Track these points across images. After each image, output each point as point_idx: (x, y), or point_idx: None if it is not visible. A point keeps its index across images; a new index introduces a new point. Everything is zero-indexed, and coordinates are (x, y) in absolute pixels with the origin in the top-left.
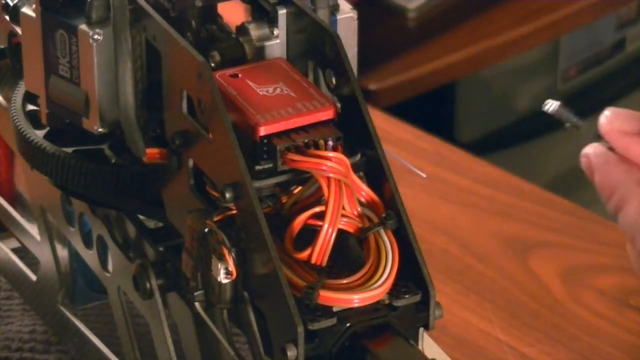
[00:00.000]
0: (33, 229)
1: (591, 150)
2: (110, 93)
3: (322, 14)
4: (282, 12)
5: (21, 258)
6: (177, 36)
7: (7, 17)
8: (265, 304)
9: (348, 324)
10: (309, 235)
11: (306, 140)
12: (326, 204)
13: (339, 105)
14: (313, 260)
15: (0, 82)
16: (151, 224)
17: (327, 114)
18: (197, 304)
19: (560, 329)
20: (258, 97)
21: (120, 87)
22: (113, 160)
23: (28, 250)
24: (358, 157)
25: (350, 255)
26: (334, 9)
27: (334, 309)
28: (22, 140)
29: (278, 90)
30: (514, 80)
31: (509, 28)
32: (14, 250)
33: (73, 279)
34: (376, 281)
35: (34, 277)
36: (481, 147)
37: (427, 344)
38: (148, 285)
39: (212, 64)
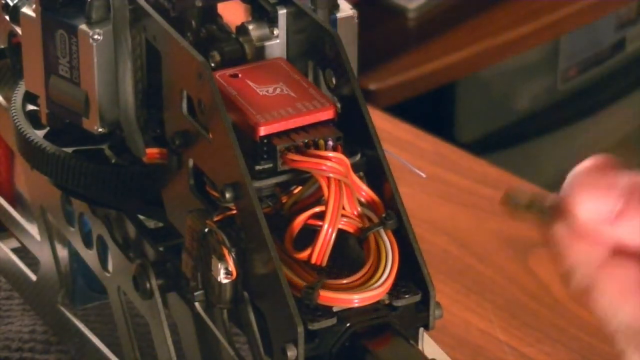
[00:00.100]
0: (33, 229)
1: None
2: (110, 93)
3: (322, 14)
4: (282, 12)
5: (21, 258)
6: (177, 36)
7: (7, 17)
8: (265, 304)
9: (348, 324)
10: (309, 235)
11: (306, 140)
12: (326, 204)
13: (339, 105)
14: (313, 260)
15: (0, 82)
16: (151, 224)
17: (327, 114)
18: (197, 304)
19: (560, 329)
20: (258, 97)
21: (120, 87)
22: (113, 160)
23: (28, 250)
24: (358, 157)
25: (350, 255)
26: (334, 8)
27: (334, 309)
28: (22, 140)
29: (278, 90)
30: (514, 80)
31: (509, 28)
32: (14, 250)
33: (73, 279)
34: (376, 281)
35: (34, 277)
36: (481, 147)
37: (427, 344)
38: (148, 285)
39: (212, 64)
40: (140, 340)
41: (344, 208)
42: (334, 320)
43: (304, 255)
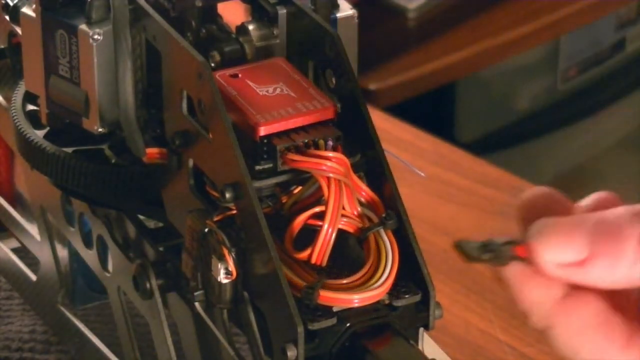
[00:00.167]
0: (33, 229)
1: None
2: (110, 93)
3: (322, 14)
4: (282, 12)
5: (21, 258)
6: (177, 36)
7: (7, 17)
8: (265, 304)
9: (348, 324)
10: (309, 235)
11: (306, 140)
12: (326, 204)
13: (339, 105)
14: (313, 260)
15: (0, 82)
16: (151, 224)
17: (327, 114)
18: (197, 304)
19: None
20: (258, 97)
21: (120, 87)
22: (113, 160)
23: (28, 250)
24: (358, 157)
25: (350, 255)
26: (334, 8)
27: (334, 309)
28: (22, 140)
29: (278, 90)
30: (514, 80)
31: (509, 28)
32: (14, 250)
33: (73, 279)
34: (376, 281)
35: (34, 277)
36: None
37: (427, 344)
38: (148, 285)
39: (212, 64)
40: (140, 340)
41: (344, 208)
42: (334, 320)
43: (304, 255)
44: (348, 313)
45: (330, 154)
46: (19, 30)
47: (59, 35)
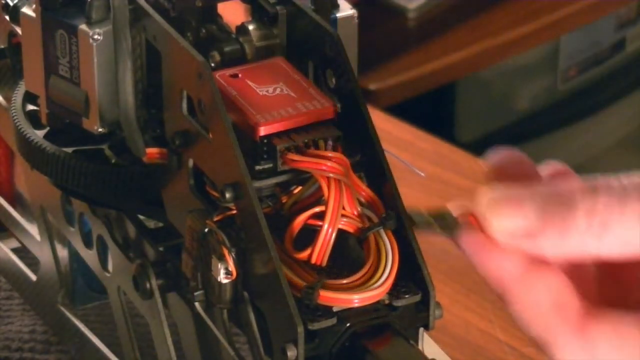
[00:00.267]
0: (33, 229)
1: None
2: (110, 93)
3: (322, 14)
4: (282, 12)
5: (21, 258)
6: (177, 36)
7: (7, 17)
8: (265, 304)
9: (348, 324)
10: (309, 235)
11: (306, 140)
12: (326, 204)
13: (339, 105)
14: (313, 260)
15: (0, 82)
16: (151, 224)
17: (327, 114)
18: (197, 304)
19: None
20: (258, 97)
21: (120, 87)
22: (113, 160)
23: (28, 250)
24: (358, 157)
25: (350, 255)
26: (334, 8)
27: (334, 309)
28: (22, 140)
29: (278, 90)
30: (514, 80)
31: (509, 28)
32: (14, 250)
33: (73, 279)
34: (376, 281)
35: (34, 277)
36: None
37: (427, 344)
38: (148, 285)
39: (212, 64)
40: (140, 340)
41: (344, 208)
42: (334, 320)
43: (304, 255)
44: (348, 313)
45: (330, 154)
46: (19, 30)
47: (59, 35)
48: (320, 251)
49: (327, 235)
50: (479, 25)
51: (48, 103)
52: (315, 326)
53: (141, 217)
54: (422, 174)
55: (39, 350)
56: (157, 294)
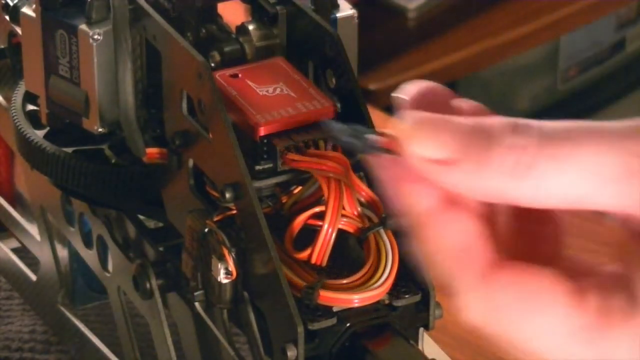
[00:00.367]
0: (33, 229)
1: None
2: (110, 93)
3: (322, 14)
4: (282, 12)
5: (21, 258)
6: (177, 36)
7: (7, 17)
8: (265, 304)
9: (348, 324)
10: (309, 235)
11: (306, 140)
12: (326, 204)
13: (338, 105)
14: (313, 260)
15: (0, 82)
16: (151, 224)
17: (327, 114)
18: (197, 304)
19: None
20: (258, 97)
21: (120, 87)
22: (113, 160)
23: (28, 250)
24: (358, 157)
25: (350, 255)
26: (334, 8)
27: (334, 309)
28: (22, 140)
29: (278, 90)
30: (514, 80)
31: (509, 28)
32: (14, 250)
33: (73, 279)
34: (376, 281)
35: (34, 277)
36: None
37: (427, 344)
38: (148, 285)
39: (212, 64)
40: (140, 340)
41: (344, 208)
42: (334, 320)
43: (304, 255)
44: (348, 313)
45: (330, 154)
46: (19, 30)
47: (59, 35)
48: (320, 251)
49: (327, 235)
50: (479, 25)
51: (48, 103)
52: (315, 326)
53: (141, 217)
54: None
55: (39, 350)
56: (157, 294)
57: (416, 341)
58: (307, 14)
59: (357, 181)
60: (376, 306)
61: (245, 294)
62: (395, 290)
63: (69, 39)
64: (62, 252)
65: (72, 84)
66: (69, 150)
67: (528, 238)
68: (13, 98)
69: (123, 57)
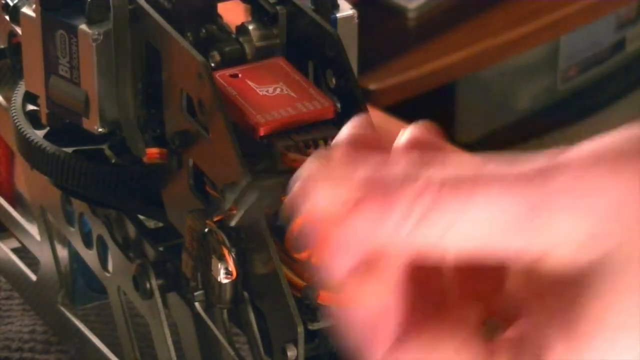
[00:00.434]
0: (33, 229)
1: None
2: (110, 93)
3: (322, 14)
4: (282, 12)
5: (21, 258)
6: (177, 36)
7: (7, 17)
8: (265, 304)
9: None
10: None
11: (306, 140)
12: None
13: (338, 105)
14: (313, 260)
15: (0, 82)
16: (151, 224)
17: (327, 114)
18: (197, 304)
19: None
20: (258, 97)
21: (120, 87)
22: (113, 160)
23: (28, 250)
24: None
25: None
26: (334, 8)
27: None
28: (22, 140)
29: (278, 90)
30: (514, 80)
31: (509, 28)
32: (14, 250)
33: (73, 279)
34: None
35: (34, 277)
36: (481, 147)
37: None
38: (148, 285)
39: (212, 64)
40: (140, 340)
41: None
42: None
43: (304, 255)
44: None
45: None
46: (19, 30)
47: (59, 35)
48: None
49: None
50: (479, 25)
51: (48, 103)
52: (315, 326)
53: (141, 217)
54: None
55: (39, 350)
56: (157, 294)
57: None
58: (307, 14)
59: None
60: None
61: (245, 294)
62: None
63: (69, 39)
64: (62, 252)
65: (72, 84)
66: (69, 150)
67: (467, 279)
68: (13, 98)
69: (123, 57)
